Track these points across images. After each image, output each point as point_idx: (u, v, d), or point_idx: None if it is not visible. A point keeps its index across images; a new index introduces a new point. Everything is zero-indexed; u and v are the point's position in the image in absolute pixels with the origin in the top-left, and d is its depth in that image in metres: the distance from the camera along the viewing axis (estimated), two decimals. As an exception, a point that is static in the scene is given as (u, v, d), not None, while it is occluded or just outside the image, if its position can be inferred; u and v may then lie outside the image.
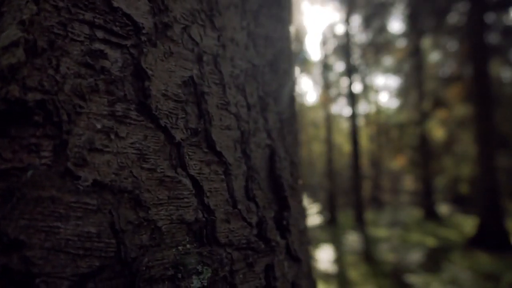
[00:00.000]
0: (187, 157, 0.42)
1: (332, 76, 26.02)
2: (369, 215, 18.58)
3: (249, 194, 0.51)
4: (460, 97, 15.05)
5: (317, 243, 10.57)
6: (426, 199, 17.41)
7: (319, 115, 26.62)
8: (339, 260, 9.39)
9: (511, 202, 16.61)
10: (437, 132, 19.40)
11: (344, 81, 15.99)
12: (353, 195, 13.97)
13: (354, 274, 8.42)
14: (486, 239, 10.10)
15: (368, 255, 9.72)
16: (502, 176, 16.28)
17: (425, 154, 17.34)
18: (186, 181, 0.41)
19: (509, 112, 15.53)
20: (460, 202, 18.74)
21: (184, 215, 0.40)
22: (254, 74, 0.58)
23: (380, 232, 14.16)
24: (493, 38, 13.14)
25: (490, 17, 12.15)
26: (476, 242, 10.33)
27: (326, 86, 17.33)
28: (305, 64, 25.81)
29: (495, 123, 12.08)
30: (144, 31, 0.39)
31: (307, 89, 50.30)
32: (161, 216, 0.38)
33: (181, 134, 0.42)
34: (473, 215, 13.34)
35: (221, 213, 0.45)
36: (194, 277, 0.40)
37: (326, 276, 7.89)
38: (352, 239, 10.06)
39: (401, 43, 19.01)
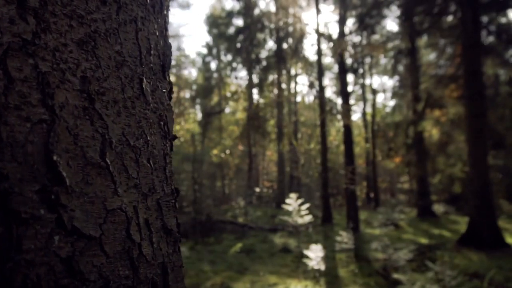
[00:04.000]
0: None
1: (328, 76, 25.99)
2: (364, 214, 18.58)
3: (-9, 165, 0.52)
4: (455, 97, 15.01)
5: (309, 241, 10.58)
6: (421, 198, 17.39)
7: (316, 115, 26.61)
8: (329, 258, 9.41)
9: (503, 201, 16.55)
10: (432, 131, 19.37)
11: (339, 81, 16.00)
12: (348, 194, 13.96)
13: (343, 271, 8.43)
14: (476, 237, 10.07)
15: (358, 254, 9.73)
16: (496, 175, 16.23)
17: (420, 154, 17.32)
18: None
19: (505, 112, 15.48)
20: (455, 201, 18.71)
21: None
22: (30, 49, 0.58)
23: (373, 231, 14.15)
24: (488, 37, 13.09)
25: (484, 17, 12.09)
26: (467, 241, 10.31)
27: (322, 85, 17.36)
28: (302, 64, 25.82)
29: (488, 122, 12.02)
30: None
31: (304, 88, 50.48)
32: None
33: None
34: (467, 214, 13.30)
35: None
36: None
37: (316, 274, 7.91)
38: (344, 237, 10.06)
39: (396, 43, 18.95)
